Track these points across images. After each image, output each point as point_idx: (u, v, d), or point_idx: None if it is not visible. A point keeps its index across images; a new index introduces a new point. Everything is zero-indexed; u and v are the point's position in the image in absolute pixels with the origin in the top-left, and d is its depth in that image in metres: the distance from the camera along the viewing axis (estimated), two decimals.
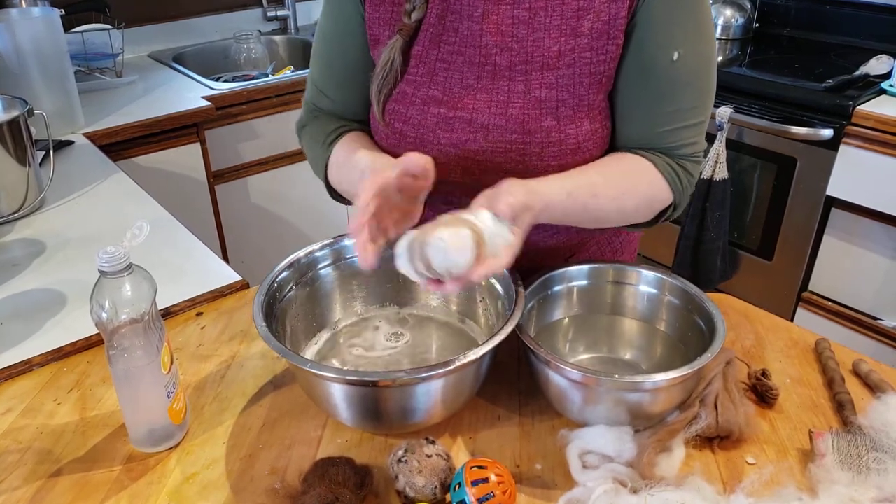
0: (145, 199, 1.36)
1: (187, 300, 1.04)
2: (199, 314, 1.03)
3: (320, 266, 0.90)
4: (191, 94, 1.88)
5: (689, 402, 0.78)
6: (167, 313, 1.01)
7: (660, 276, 0.86)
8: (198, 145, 1.81)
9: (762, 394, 0.84)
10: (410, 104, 0.88)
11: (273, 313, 0.82)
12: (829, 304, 2.00)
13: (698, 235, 2.05)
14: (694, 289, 0.83)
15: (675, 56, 0.82)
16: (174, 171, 1.79)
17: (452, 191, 0.94)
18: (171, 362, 0.78)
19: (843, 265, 1.92)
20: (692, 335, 0.82)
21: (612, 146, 0.90)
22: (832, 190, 1.82)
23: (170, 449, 0.80)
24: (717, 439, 0.78)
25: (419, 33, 0.87)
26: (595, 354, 0.89)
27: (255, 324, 0.76)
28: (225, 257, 2.04)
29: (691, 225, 2.05)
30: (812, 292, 2.02)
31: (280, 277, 0.84)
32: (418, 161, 0.73)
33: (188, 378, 0.90)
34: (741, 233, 2.09)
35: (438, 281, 0.70)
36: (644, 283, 0.87)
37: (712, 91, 0.88)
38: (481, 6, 0.83)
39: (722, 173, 1.96)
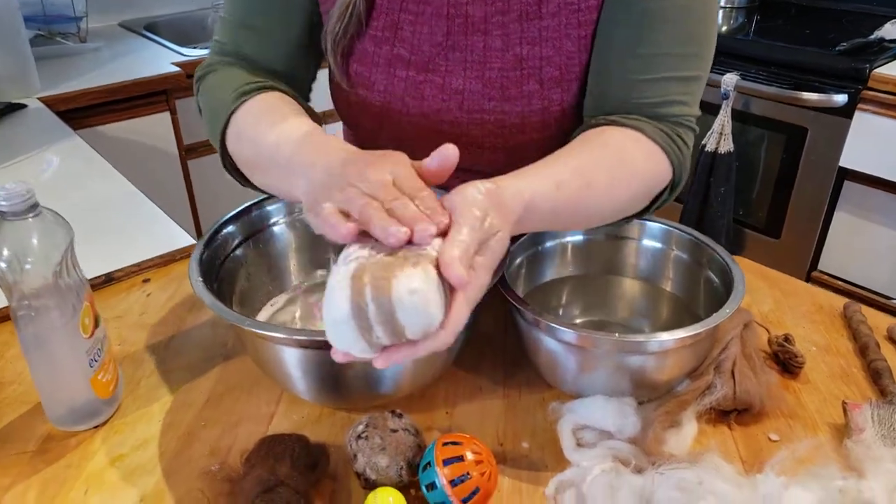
0: (101, 165, 1.24)
1: (133, 265, 0.92)
2: (145, 280, 0.91)
3: (272, 221, 0.78)
4: (161, 61, 1.76)
5: (701, 370, 0.67)
6: (110, 279, 0.90)
7: (666, 227, 0.75)
8: (167, 115, 1.70)
9: (785, 362, 0.73)
10: (373, 65, 0.75)
11: (217, 272, 0.70)
12: (840, 283, 1.89)
13: (701, 212, 1.94)
14: (705, 239, 0.71)
15: None
16: (142, 142, 1.67)
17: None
18: (95, 326, 0.66)
19: (855, 242, 1.81)
20: (704, 294, 0.71)
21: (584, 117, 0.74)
22: (845, 161, 1.71)
23: (95, 427, 0.68)
24: (735, 413, 0.67)
25: None
26: (591, 318, 0.77)
27: (189, 278, 0.64)
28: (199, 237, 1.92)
29: (694, 201, 1.94)
30: (822, 272, 1.91)
31: (225, 231, 0.73)
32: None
33: (126, 348, 0.79)
34: (747, 210, 1.98)
35: (394, 345, 0.47)
36: (648, 236, 0.76)
37: (707, 38, 0.70)
38: None
39: (727, 146, 1.84)
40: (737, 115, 1.85)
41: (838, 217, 1.82)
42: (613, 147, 0.66)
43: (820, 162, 1.77)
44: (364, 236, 0.47)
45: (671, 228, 0.74)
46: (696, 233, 0.72)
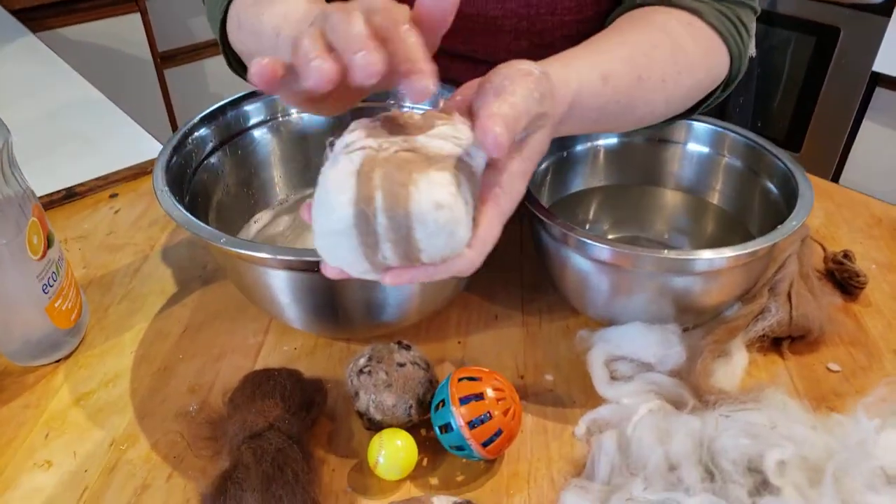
0: (61, 68, 1.11)
1: (98, 178, 0.82)
2: (113, 196, 0.81)
3: (251, 123, 0.67)
4: None
5: (754, 291, 0.58)
6: (72, 194, 0.79)
7: (717, 129, 0.64)
8: (137, 17, 1.54)
9: (843, 282, 0.64)
10: None
11: (188, 183, 0.60)
12: None
13: None
14: (763, 142, 0.61)
15: None
16: (111, 48, 1.53)
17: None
18: (48, 245, 0.56)
19: (883, 154, 1.70)
20: (759, 207, 0.62)
21: None
22: (880, 65, 1.58)
23: (57, 361, 0.59)
24: (789, 340, 0.59)
25: None
26: (623, 234, 0.68)
27: (154, 189, 0.54)
28: None
29: (710, 111, 1.81)
30: (843, 186, 1.81)
31: (196, 134, 0.62)
32: None
33: (91, 272, 0.69)
34: (766, 121, 1.86)
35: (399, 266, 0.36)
36: (695, 139, 0.65)
37: None
38: None
39: (749, 50, 1.70)
40: (761, 16, 1.70)
41: (866, 127, 1.70)
42: (666, 33, 0.53)
43: (851, 67, 1.63)
44: (374, 125, 0.36)
45: (724, 130, 0.63)
46: (752, 135, 0.62)
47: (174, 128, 1.74)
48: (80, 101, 1.00)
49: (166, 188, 0.53)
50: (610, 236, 0.67)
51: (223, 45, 0.62)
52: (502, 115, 0.34)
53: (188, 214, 0.51)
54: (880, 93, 1.63)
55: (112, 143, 0.90)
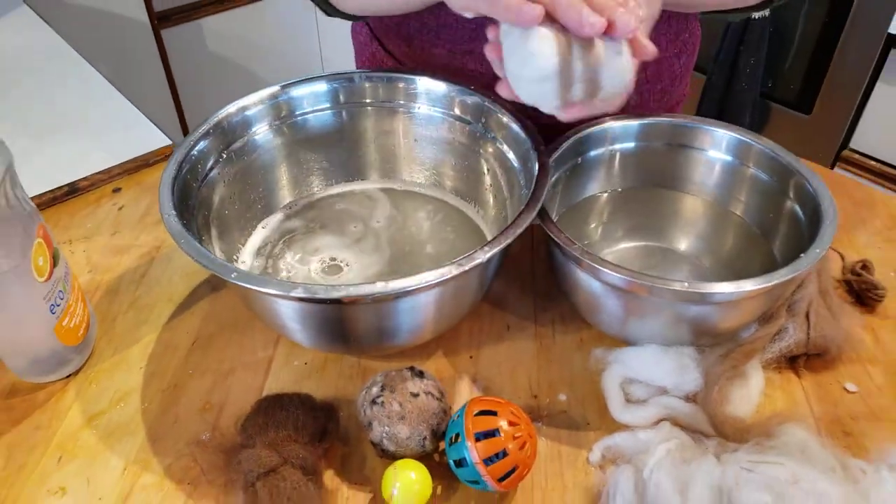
0: (54, 42, 1.07)
1: (101, 172, 0.80)
2: (116, 190, 0.79)
3: (254, 128, 0.64)
4: None
5: (772, 311, 0.57)
6: (74, 190, 0.77)
7: (743, 138, 0.61)
8: None
9: (860, 293, 0.63)
10: None
11: (192, 198, 0.58)
12: (873, 163, 1.76)
13: (728, 85, 1.77)
14: (794, 160, 0.59)
15: None
16: (102, 10, 1.47)
17: None
18: (54, 264, 0.55)
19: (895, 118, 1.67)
20: (781, 224, 0.60)
21: None
22: None
23: (67, 377, 0.59)
24: (804, 357, 0.58)
25: None
26: (637, 242, 0.66)
27: (160, 212, 0.52)
28: (182, 121, 1.75)
29: (720, 72, 1.76)
30: (853, 150, 1.78)
31: (199, 147, 0.60)
32: None
33: (97, 277, 0.68)
34: (777, 82, 1.81)
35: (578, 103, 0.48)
36: (717, 147, 0.63)
37: None
38: None
39: (762, 11, 1.64)
40: None
41: (879, 90, 1.65)
42: None
43: (868, 27, 1.58)
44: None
45: (751, 141, 0.61)
46: (783, 150, 0.59)
47: (174, 95, 1.69)
48: (78, 82, 0.97)
49: (174, 212, 0.52)
50: (625, 244, 0.66)
51: None
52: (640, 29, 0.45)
53: (200, 246, 0.49)
54: None
55: (113, 131, 0.87)
